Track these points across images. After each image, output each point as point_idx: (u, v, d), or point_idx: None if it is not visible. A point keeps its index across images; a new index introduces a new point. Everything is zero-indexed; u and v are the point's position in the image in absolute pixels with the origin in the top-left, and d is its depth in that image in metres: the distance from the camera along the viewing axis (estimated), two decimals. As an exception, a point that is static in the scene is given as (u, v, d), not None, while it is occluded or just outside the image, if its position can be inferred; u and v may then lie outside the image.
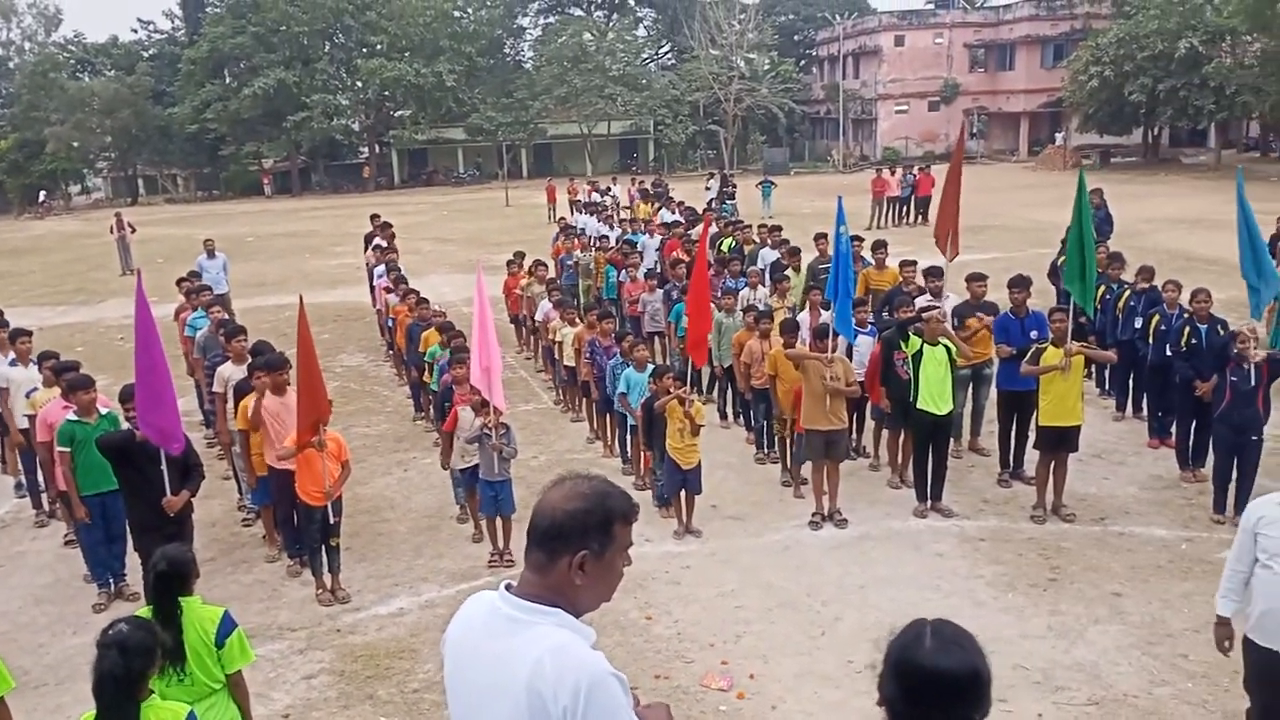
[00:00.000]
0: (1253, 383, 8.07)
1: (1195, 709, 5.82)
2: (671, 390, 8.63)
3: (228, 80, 55.53)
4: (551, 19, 65.77)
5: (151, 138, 57.32)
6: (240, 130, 54.78)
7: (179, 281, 13.72)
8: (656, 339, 13.49)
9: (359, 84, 56.36)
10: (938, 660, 2.21)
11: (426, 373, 11.19)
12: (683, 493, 8.75)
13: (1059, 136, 50.61)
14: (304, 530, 7.80)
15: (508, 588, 2.43)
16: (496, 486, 8.15)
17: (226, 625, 4.47)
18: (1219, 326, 9.21)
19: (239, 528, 9.34)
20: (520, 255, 15.64)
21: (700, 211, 21.57)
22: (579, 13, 66.61)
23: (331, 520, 7.59)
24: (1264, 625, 4.75)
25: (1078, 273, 8.47)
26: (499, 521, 8.30)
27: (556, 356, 12.44)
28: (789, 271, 13.06)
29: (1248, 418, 8.05)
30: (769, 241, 15.21)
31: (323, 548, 7.71)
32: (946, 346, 8.75)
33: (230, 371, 9.12)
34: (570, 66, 54.87)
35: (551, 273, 15.87)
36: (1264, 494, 8.45)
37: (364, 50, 55.68)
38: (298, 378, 7.54)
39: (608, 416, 10.80)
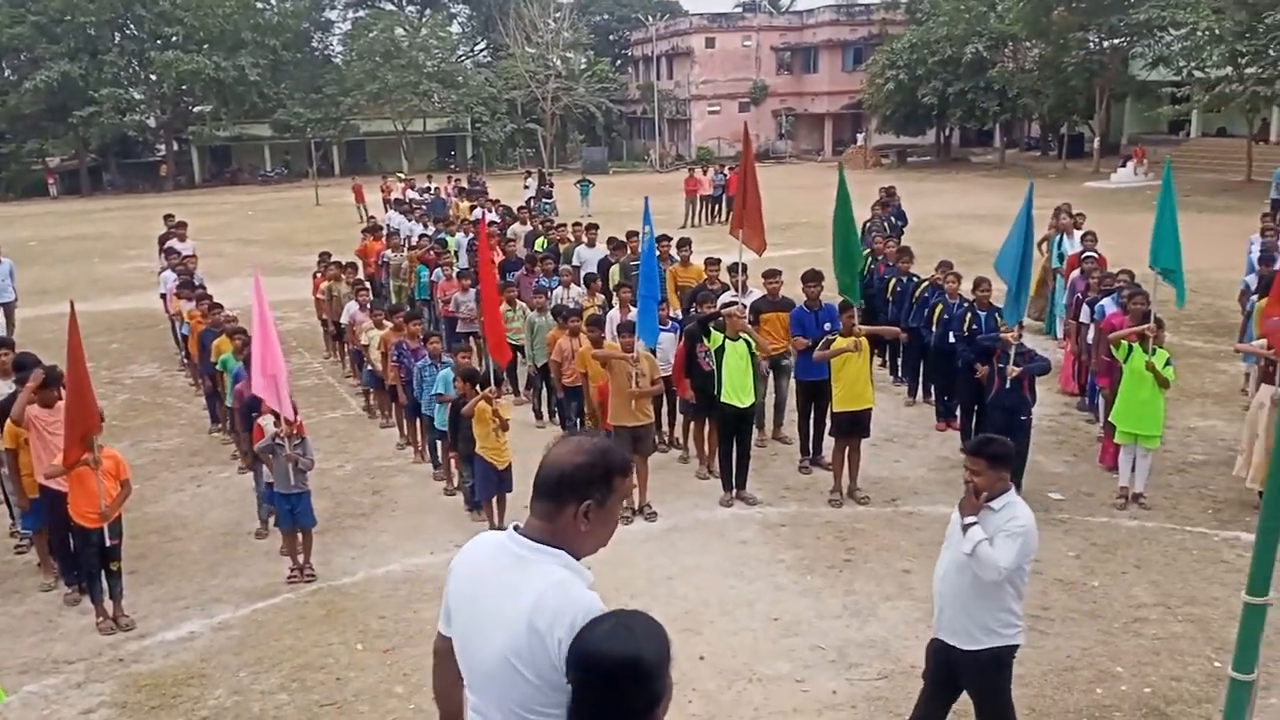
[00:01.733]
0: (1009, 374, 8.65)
1: (973, 674, 6.18)
2: (478, 392, 8.52)
3: (6, 73, 51.36)
4: (361, 13, 63.97)
5: (-80, 136, 52.37)
6: (21, 127, 50.69)
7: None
8: (472, 339, 13.31)
9: (153, 77, 53.07)
10: (600, 645, 2.28)
11: (219, 383, 10.64)
12: (496, 495, 8.66)
13: (860, 137, 53.09)
14: (80, 555, 7.26)
15: (516, 529, 2.69)
16: (293, 499, 7.82)
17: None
18: (997, 314, 9.84)
19: (11, 555, 8.62)
20: (326, 256, 15.12)
21: (516, 210, 21.43)
22: (390, 7, 65.11)
23: (109, 543, 7.10)
24: None
25: (843, 262, 8.88)
26: (298, 535, 7.96)
27: (364, 360, 12.08)
28: (615, 267, 13.17)
29: (1016, 401, 8.64)
30: (585, 240, 15.25)
31: (102, 572, 7.20)
32: (747, 341, 9.01)
33: (-7, 387, 8.38)
34: (382, 62, 53.51)
35: (362, 273, 15.41)
36: (1036, 469, 9.19)
37: (158, 42, 52.50)
38: (66, 389, 7.01)
39: (417, 421, 10.56)
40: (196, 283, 13.48)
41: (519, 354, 11.98)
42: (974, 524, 4.70)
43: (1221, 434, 10.22)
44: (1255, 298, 10.78)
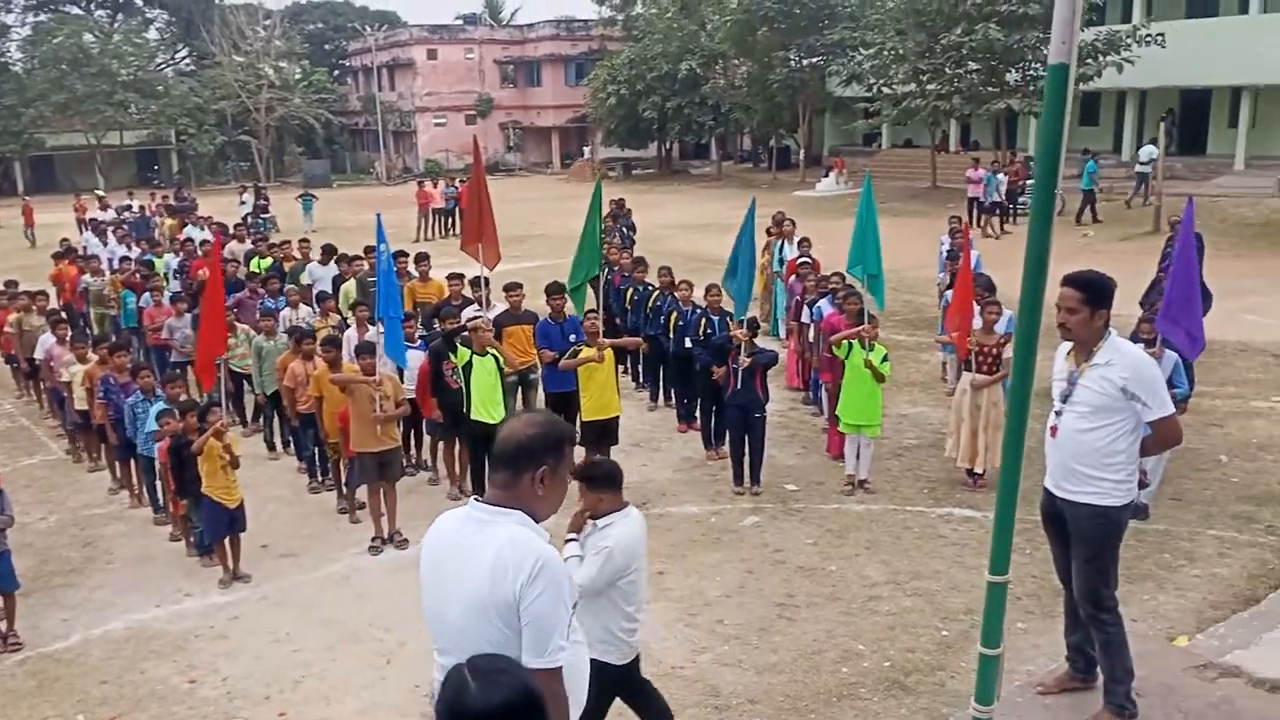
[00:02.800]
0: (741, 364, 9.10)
1: (732, 669, 6.41)
2: (203, 428, 7.91)
3: None
4: (42, 17, 57.96)
5: None
6: None
7: None
8: (190, 369, 12.37)
9: None
10: (490, 697, 2.18)
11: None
12: (228, 536, 8.06)
13: (586, 150, 54.13)
14: None
15: (475, 499, 2.97)
16: (-12, 560, 6.92)
17: None
18: (729, 318, 10.31)
19: None
20: (12, 284, 13.54)
21: (233, 228, 20.15)
22: (77, 11, 59.45)
23: None
24: None
25: (583, 273, 9.09)
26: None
27: (65, 398, 10.90)
28: (347, 284, 12.63)
29: (750, 399, 9.09)
30: (317, 258, 14.54)
31: None
32: (495, 356, 8.91)
33: None
34: (70, 70, 48.66)
35: (56, 302, 13.94)
36: (772, 463, 9.68)
37: None
38: None
39: (131, 462, 9.65)
40: None
41: (245, 382, 11.26)
42: (572, 540, 4.82)
43: (929, 419, 11.19)
44: (949, 292, 11.89)
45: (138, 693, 6.41)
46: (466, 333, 8.91)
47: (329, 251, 14.74)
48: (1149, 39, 27.79)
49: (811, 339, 11.38)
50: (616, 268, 13.33)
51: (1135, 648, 4.83)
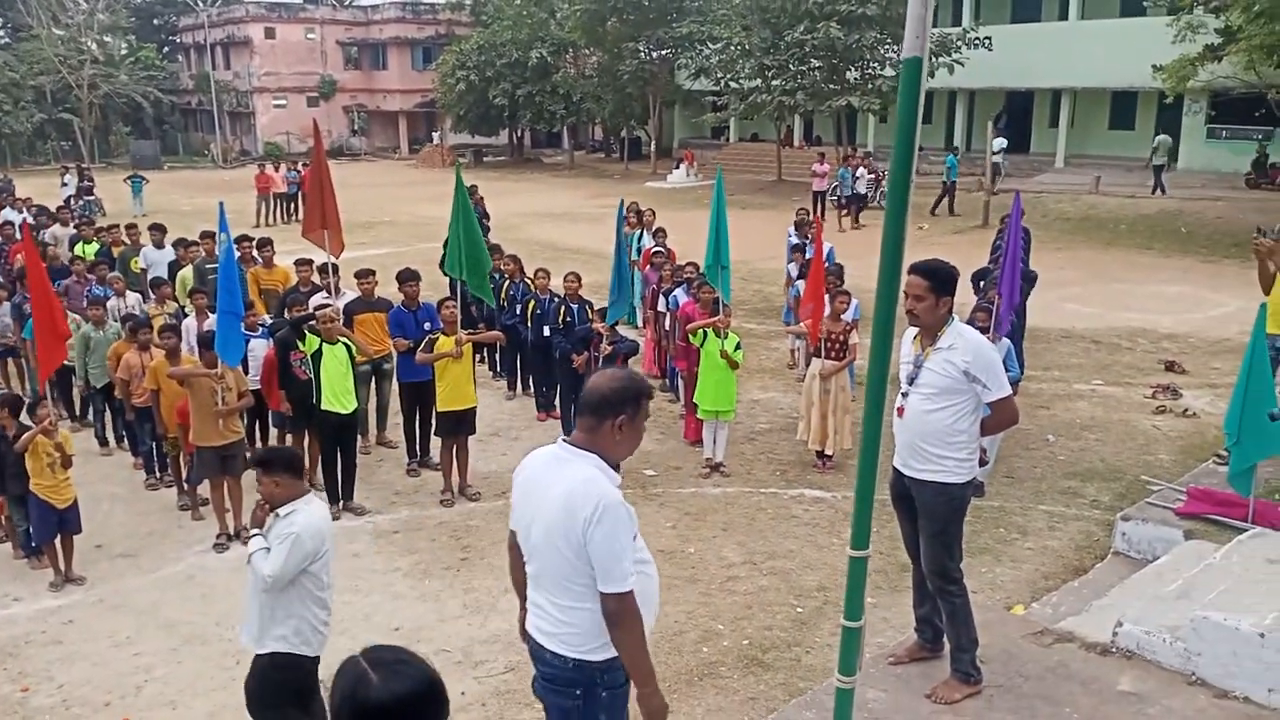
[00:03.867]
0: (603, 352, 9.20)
1: (594, 652, 6.45)
2: (24, 424, 7.41)
3: None
4: None
5: None
6: None
7: None
8: (10, 359, 11.59)
9: None
10: (395, 688, 2.10)
11: None
12: (59, 536, 7.58)
13: (436, 136, 53.15)
14: None
15: (563, 440, 3.47)
16: None
17: None
18: (588, 306, 10.34)
19: None
20: None
21: (55, 210, 18.88)
22: None
23: None
24: None
25: (460, 261, 8.95)
26: None
27: None
28: (184, 271, 12.01)
29: (613, 386, 9.14)
30: (154, 241, 13.76)
31: None
32: (346, 344, 8.67)
33: None
34: None
35: None
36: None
37: None
38: None
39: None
40: None
41: (71, 374, 10.60)
42: (256, 535, 4.87)
43: (780, 404, 11.53)
44: (799, 282, 12.25)
45: (-38, 710, 5.98)
46: (315, 321, 8.62)
47: (160, 230, 13.93)
48: (977, 42, 29.33)
49: (668, 327, 11.54)
50: (471, 255, 13.16)
51: (977, 617, 5.13)
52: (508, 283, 11.79)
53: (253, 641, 4.85)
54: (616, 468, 3.43)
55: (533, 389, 11.70)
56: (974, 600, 5.21)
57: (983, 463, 7.03)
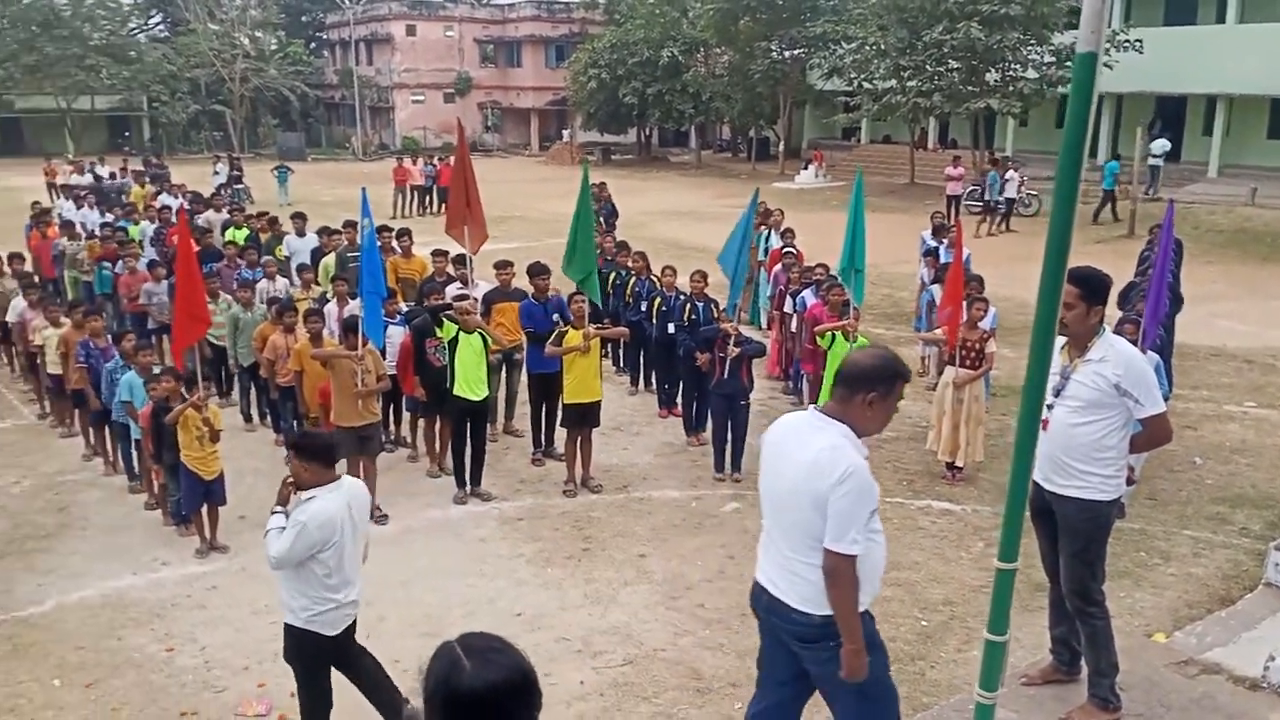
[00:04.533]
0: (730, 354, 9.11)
1: (714, 652, 6.44)
2: (183, 394, 7.82)
3: None
4: (12, -25, 56.75)
5: None
6: None
7: None
8: (165, 336, 12.23)
9: None
10: (487, 676, 2.09)
11: None
12: (205, 506, 7.98)
13: (566, 133, 53.88)
14: None
15: (814, 408, 3.78)
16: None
17: None
18: (713, 304, 10.32)
19: None
20: (-18, 247, 13.29)
21: (208, 197, 19.88)
22: (47, -29, 58.24)
23: None
24: None
25: (571, 258, 9.06)
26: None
27: (38, 363, 10.73)
28: (327, 258, 12.49)
29: (735, 387, 9.12)
30: (296, 229, 14.36)
31: None
32: (481, 334, 8.88)
33: None
34: (40, 32, 47.74)
35: (30, 266, 13.68)
36: (753, 450, 9.72)
37: None
38: None
39: (106, 428, 9.51)
40: None
41: (224, 353, 11.14)
42: (279, 513, 4.97)
43: (908, 412, 11.24)
44: (933, 287, 11.96)
45: (115, 659, 6.35)
46: (452, 310, 8.84)
47: (301, 218, 14.48)
48: (1128, 44, 28.05)
49: (794, 329, 11.42)
50: (600, 251, 13.26)
51: (1117, 643, 4.91)
52: (634, 279, 11.86)
53: (283, 608, 5.12)
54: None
55: (655, 386, 11.74)
56: (1114, 625, 4.99)
57: (1130, 481, 6.74)
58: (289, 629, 5.10)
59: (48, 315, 10.33)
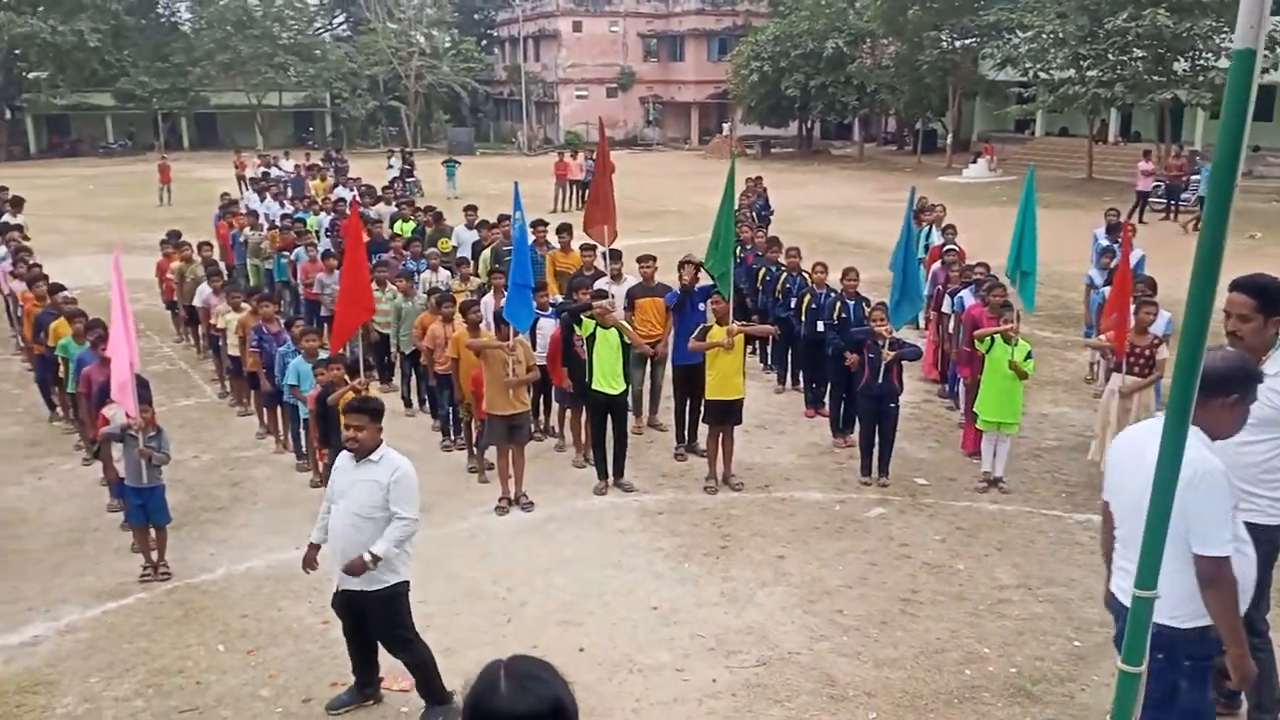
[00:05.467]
0: (885, 358, 8.87)
1: (850, 660, 6.31)
2: (346, 380, 8.21)
3: None
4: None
5: None
6: None
7: None
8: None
9: (-19, 40, 49.39)
10: (516, 703, 2.08)
11: (61, 367, 9.91)
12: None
13: (726, 127, 53.77)
14: (-97, 558, 6.65)
15: None
16: (145, 494, 7.34)
17: None
18: (865, 303, 10.08)
19: None
20: (175, 235, 14.31)
21: (381, 190, 20.81)
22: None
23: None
24: (330, 560, 5.83)
25: (719, 254, 8.98)
26: (151, 532, 7.49)
27: (220, 345, 11.50)
28: (485, 251, 12.90)
29: (885, 389, 8.89)
30: (466, 221, 14.89)
31: (-72, 576, 6.61)
32: (619, 330, 8.97)
33: None
34: (234, 31, 51.15)
35: (217, 254, 14.67)
36: (902, 455, 9.47)
37: (-11, 3, 48.77)
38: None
39: (279, 409, 10.11)
40: (31, 261, 12.54)
41: (387, 340, 11.64)
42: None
43: (1071, 420, 10.74)
44: (1105, 289, 11.32)
45: (274, 629, 6.74)
46: (591, 309, 8.94)
47: (473, 210, 15.06)
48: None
49: (951, 330, 11.05)
50: (750, 246, 13.19)
51: (1284, 677, 4.54)
52: (784, 275, 11.71)
53: (384, 571, 5.59)
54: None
55: (802, 384, 11.58)
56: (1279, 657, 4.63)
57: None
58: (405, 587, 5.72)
59: (229, 300, 11.04)
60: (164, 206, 29.97)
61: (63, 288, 10.86)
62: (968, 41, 38.75)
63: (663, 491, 9.06)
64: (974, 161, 36.93)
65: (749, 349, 11.33)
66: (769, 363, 12.71)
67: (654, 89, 58.76)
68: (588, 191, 29.65)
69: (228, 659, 6.38)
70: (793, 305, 11.24)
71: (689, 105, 58.15)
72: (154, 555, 7.51)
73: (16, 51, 49.59)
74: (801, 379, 11.63)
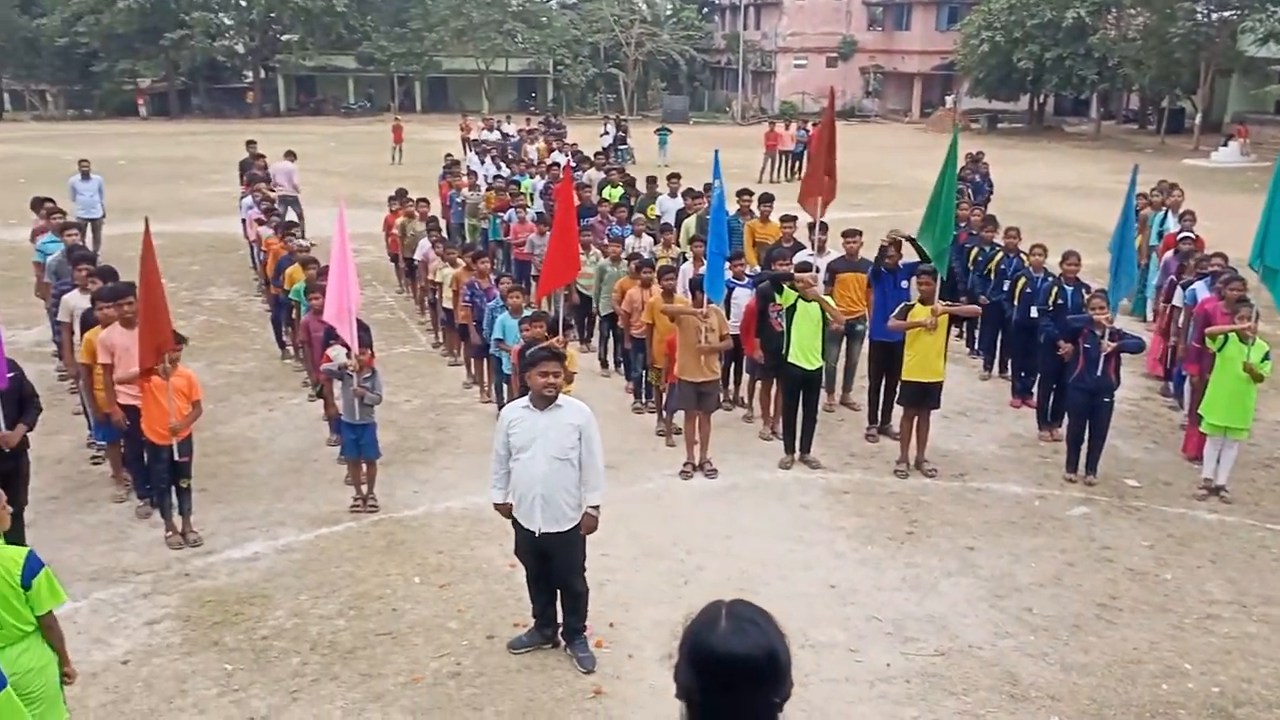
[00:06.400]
0: (1104, 349, 8.32)
1: (1035, 660, 6.03)
2: (547, 338, 8.48)
3: (100, -10, 52.28)
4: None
5: (17, 50, 53.33)
6: (114, 46, 51.61)
7: (37, 203, 12.81)
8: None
9: (243, 3, 53.70)
10: (733, 643, 2.10)
11: (294, 310, 10.75)
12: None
13: (950, 99, 51.59)
14: (152, 470, 7.42)
15: None
16: (358, 430, 7.89)
17: (32, 565, 4.21)
18: (1084, 290, 9.49)
19: (87, 465, 8.86)
20: (402, 192, 15.17)
21: (592, 156, 21.28)
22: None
23: (179, 459, 7.23)
24: (519, 508, 5.82)
25: (932, 225, 8.63)
26: (362, 465, 8.04)
27: (435, 298, 12.14)
28: (688, 220, 13.00)
29: (1100, 383, 8.34)
30: (670, 190, 15.06)
31: (172, 488, 7.35)
32: (820, 304, 8.82)
33: (76, 300, 8.63)
34: (466, -1, 53.39)
35: (436, 211, 15.46)
36: (1114, 454, 8.91)
37: (249, -32, 53.03)
38: (139, 304, 7.14)
39: (485, 361, 10.59)
40: (277, 210, 13.63)
41: (588, 302, 11.94)
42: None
43: (1312, 431, 9.78)
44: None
45: (466, 566, 7.11)
46: (794, 280, 8.83)
47: (677, 178, 15.20)
48: None
49: (1181, 324, 10.25)
50: (964, 224, 12.63)
51: None
52: (999, 255, 11.16)
53: (575, 510, 5.89)
54: None
55: (1010, 372, 11.05)
56: None
57: None
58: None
59: (445, 256, 11.62)
60: (395, 165, 31.73)
61: (297, 234, 11.73)
62: (1225, 14, 35.43)
63: (850, 471, 8.90)
64: (1224, 144, 33.89)
65: (954, 331, 10.92)
66: (975, 347, 12.19)
67: (876, 59, 57.01)
68: (799, 163, 29.62)
69: (422, 590, 6.79)
70: (1005, 288, 10.72)
71: (912, 76, 56.11)
72: (364, 488, 8.07)
73: (272, 14, 53.59)
74: (1010, 367, 11.10)
